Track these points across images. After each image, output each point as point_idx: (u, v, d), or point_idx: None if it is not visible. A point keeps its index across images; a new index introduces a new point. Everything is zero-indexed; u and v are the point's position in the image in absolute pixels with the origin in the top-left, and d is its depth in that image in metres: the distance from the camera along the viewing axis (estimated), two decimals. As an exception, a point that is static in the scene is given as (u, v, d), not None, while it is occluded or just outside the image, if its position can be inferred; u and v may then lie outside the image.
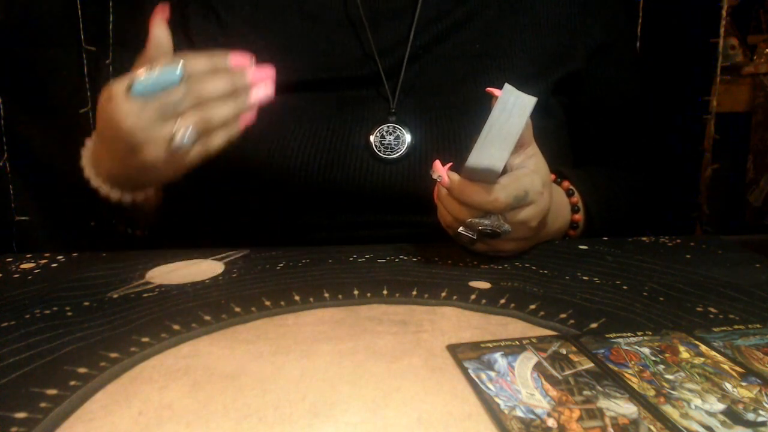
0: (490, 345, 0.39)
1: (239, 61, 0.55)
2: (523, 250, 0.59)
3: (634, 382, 0.35)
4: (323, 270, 0.55)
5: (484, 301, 0.47)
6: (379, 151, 0.65)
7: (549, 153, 0.58)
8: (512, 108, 0.50)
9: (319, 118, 0.67)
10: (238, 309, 0.46)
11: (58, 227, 0.95)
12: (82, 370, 0.37)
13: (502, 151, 0.50)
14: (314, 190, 0.66)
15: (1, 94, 0.90)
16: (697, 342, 0.40)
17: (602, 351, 0.38)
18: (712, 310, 0.46)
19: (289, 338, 0.41)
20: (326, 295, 0.49)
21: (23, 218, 0.93)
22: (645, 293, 0.49)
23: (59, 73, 0.91)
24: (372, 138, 0.66)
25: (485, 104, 0.52)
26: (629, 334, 0.41)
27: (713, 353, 0.38)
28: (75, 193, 0.94)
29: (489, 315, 0.45)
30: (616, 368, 0.36)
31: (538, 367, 0.36)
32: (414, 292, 0.49)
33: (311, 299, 0.48)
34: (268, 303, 0.47)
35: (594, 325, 0.43)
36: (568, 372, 0.36)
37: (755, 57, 1.13)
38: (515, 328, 0.43)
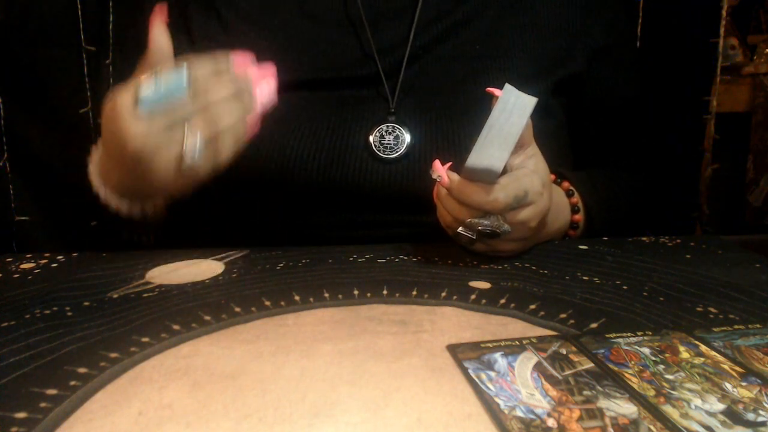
0: (490, 345, 0.39)
1: (241, 60, 0.54)
2: (523, 250, 0.59)
3: (634, 382, 0.35)
4: (323, 270, 0.55)
5: (484, 301, 0.47)
6: (379, 150, 0.65)
7: (549, 153, 0.58)
8: (512, 108, 0.50)
9: (319, 118, 0.67)
10: (238, 309, 0.46)
11: (58, 227, 0.95)
12: (82, 370, 0.37)
13: (502, 151, 0.50)
14: (314, 190, 0.66)
15: (1, 94, 0.90)
16: (697, 342, 0.40)
17: (602, 351, 0.38)
18: (712, 310, 0.46)
19: (289, 338, 0.41)
20: (326, 295, 0.49)
21: (23, 218, 0.93)
22: (645, 293, 0.49)
23: (59, 73, 0.91)
24: (371, 138, 0.66)
25: (485, 104, 0.52)
26: (629, 334, 0.41)
27: (713, 353, 0.38)
28: (75, 193, 0.94)
29: (489, 315, 0.45)
30: (616, 368, 0.36)
31: (538, 367, 0.36)
32: (414, 292, 0.49)
33: (311, 299, 0.48)
34: (268, 303, 0.47)
35: (594, 325, 0.43)
36: (568, 372, 0.36)
37: (755, 57, 1.13)
38: (515, 328, 0.43)
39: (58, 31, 0.90)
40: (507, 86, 0.50)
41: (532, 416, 0.31)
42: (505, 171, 0.53)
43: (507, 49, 0.70)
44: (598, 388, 0.34)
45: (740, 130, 1.09)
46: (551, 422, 0.31)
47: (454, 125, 0.66)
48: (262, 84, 0.54)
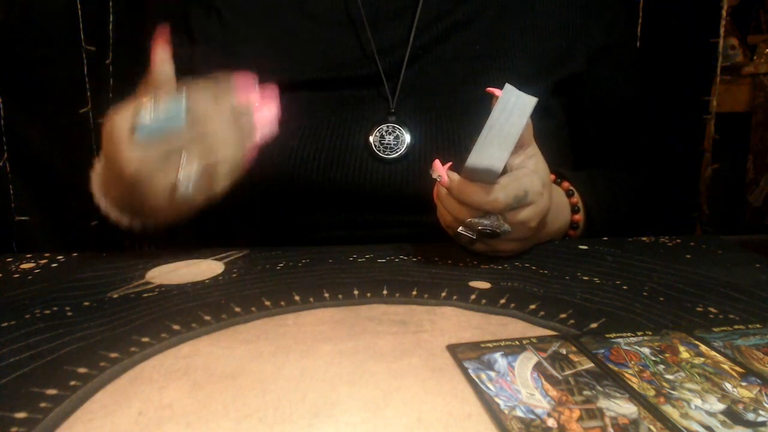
0: (490, 345, 0.39)
1: (243, 83, 0.53)
2: (523, 250, 0.59)
3: (634, 382, 0.35)
4: (323, 270, 0.55)
5: (484, 301, 0.47)
6: (379, 151, 0.65)
7: (549, 154, 0.58)
8: (512, 108, 0.50)
9: (319, 118, 0.67)
10: (238, 309, 0.46)
11: (58, 227, 0.95)
12: (82, 370, 0.37)
13: (502, 151, 0.50)
14: (314, 190, 0.66)
15: (1, 94, 0.90)
16: (697, 342, 0.40)
17: (602, 351, 0.38)
18: (712, 310, 0.46)
19: (289, 338, 0.41)
20: (326, 295, 0.49)
21: (23, 218, 0.93)
22: (645, 293, 0.49)
23: (59, 73, 0.91)
24: (371, 138, 0.66)
25: (485, 105, 0.52)
26: (629, 334, 0.41)
27: (713, 353, 0.38)
28: (75, 193, 0.94)
29: (489, 315, 0.45)
30: (616, 368, 0.36)
31: (538, 367, 0.36)
32: (414, 292, 0.49)
33: (311, 299, 0.48)
34: (268, 303, 0.47)
35: (594, 325, 0.43)
36: (568, 372, 0.36)
37: (755, 57, 1.13)
38: (515, 328, 0.43)
39: (58, 31, 0.90)
40: (507, 86, 0.50)
41: (532, 416, 0.31)
42: (505, 171, 0.53)
43: (507, 50, 0.70)
44: (598, 388, 0.34)
45: (740, 130, 1.09)
46: (551, 422, 0.31)
47: (455, 125, 0.66)
48: (264, 110, 0.54)
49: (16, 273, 0.56)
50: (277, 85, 0.56)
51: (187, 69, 0.54)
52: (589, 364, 0.37)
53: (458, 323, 0.43)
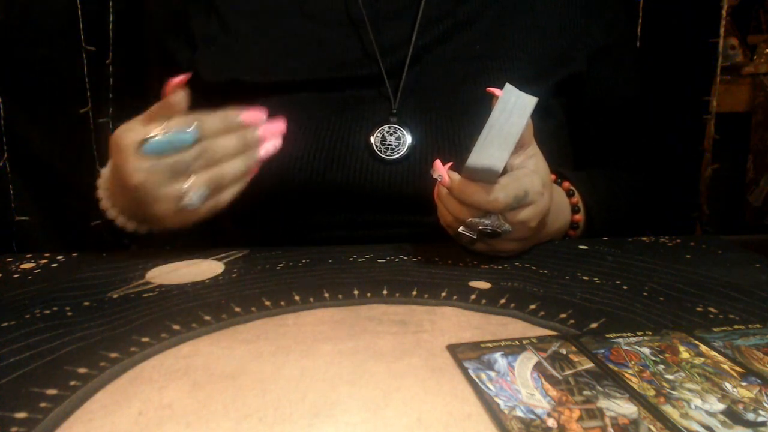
0: (490, 345, 0.39)
1: (252, 117, 0.56)
2: (523, 250, 0.59)
3: (634, 382, 0.35)
4: (323, 270, 0.55)
5: (484, 301, 0.47)
6: (380, 151, 0.65)
7: (549, 154, 0.58)
8: (513, 108, 0.50)
9: (320, 118, 0.67)
10: (238, 309, 0.46)
11: (58, 227, 0.95)
12: (82, 370, 0.37)
13: (503, 151, 0.50)
14: (314, 190, 0.66)
15: (1, 94, 0.90)
16: (697, 342, 0.40)
17: (602, 351, 0.38)
18: (712, 310, 0.46)
19: (289, 338, 0.41)
20: (326, 295, 0.49)
21: (23, 218, 0.93)
22: (645, 293, 0.49)
23: (59, 73, 0.91)
24: (372, 138, 0.66)
25: (486, 105, 0.52)
26: (629, 334, 0.41)
27: (713, 353, 0.38)
28: (75, 193, 0.94)
29: (489, 315, 0.45)
30: (616, 368, 0.36)
31: (538, 367, 0.36)
32: (414, 292, 0.49)
33: (311, 299, 0.48)
34: (268, 303, 0.47)
35: (594, 325, 0.43)
36: (568, 372, 0.36)
37: (755, 57, 1.13)
38: (515, 328, 0.43)
39: (58, 31, 0.90)
40: (507, 86, 0.50)
41: (532, 416, 0.31)
42: (505, 171, 0.53)
43: (508, 50, 0.70)
44: (598, 388, 0.34)
45: (740, 130, 1.09)
46: (551, 422, 0.31)
47: (456, 126, 0.66)
48: (268, 144, 0.57)
49: (16, 273, 0.56)
50: (279, 86, 0.56)
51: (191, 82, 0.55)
52: (589, 364, 0.37)
53: (458, 323, 0.43)
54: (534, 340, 0.40)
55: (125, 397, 0.34)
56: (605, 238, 0.66)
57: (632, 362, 0.37)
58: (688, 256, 0.60)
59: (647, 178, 0.80)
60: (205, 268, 0.56)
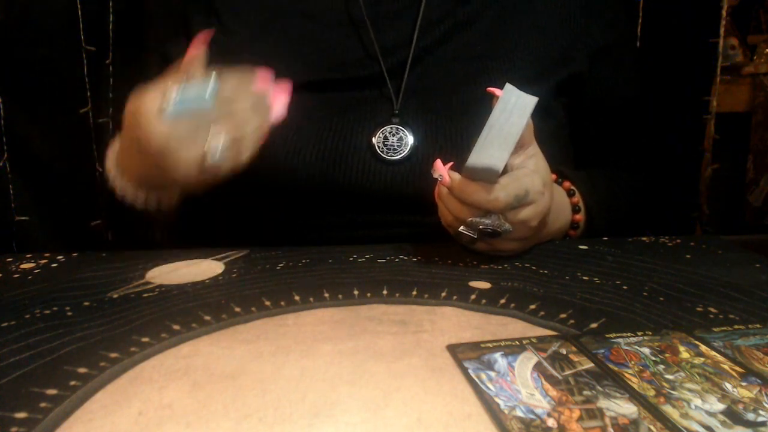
0: (490, 345, 0.39)
1: (262, 76, 0.56)
2: (524, 249, 0.59)
3: (634, 382, 0.35)
4: (323, 270, 0.55)
5: (484, 301, 0.47)
6: (382, 152, 0.65)
7: (550, 154, 0.58)
8: (513, 108, 0.50)
9: (322, 119, 0.67)
10: (238, 309, 0.46)
11: (58, 227, 0.95)
12: (82, 370, 0.37)
13: (503, 150, 0.50)
14: (316, 191, 0.66)
15: (1, 94, 0.90)
16: (697, 342, 0.40)
17: (602, 351, 0.38)
18: (712, 310, 0.46)
19: (289, 338, 0.41)
20: (326, 295, 0.49)
21: (23, 218, 0.93)
22: (645, 293, 0.49)
23: (59, 73, 0.91)
24: (375, 139, 0.66)
25: (487, 105, 0.52)
26: (629, 334, 0.41)
27: (713, 353, 0.38)
28: (75, 193, 0.94)
29: (489, 315, 0.45)
30: (616, 368, 0.36)
31: (538, 367, 0.36)
32: (414, 292, 0.49)
33: (311, 299, 0.48)
34: (268, 303, 0.47)
35: (594, 325, 0.43)
36: (568, 372, 0.36)
37: (755, 57, 1.13)
38: (515, 328, 0.43)
39: (58, 31, 0.90)
40: (507, 86, 0.50)
41: (532, 416, 0.31)
42: (506, 171, 0.53)
43: (509, 50, 0.70)
44: (598, 388, 0.34)
45: (740, 130, 1.09)
46: (551, 422, 0.31)
47: (457, 126, 0.66)
48: (277, 100, 0.57)
49: (16, 273, 0.56)
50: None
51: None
52: (589, 364, 0.37)
53: (458, 323, 0.43)
54: (534, 340, 0.40)
55: (125, 397, 0.34)
56: (605, 238, 0.66)
57: (632, 362, 0.37)
58: (688, 256, 0.60)
59: (647, 178, 0.80)
60: (205, 268, 0.56)
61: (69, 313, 0.46)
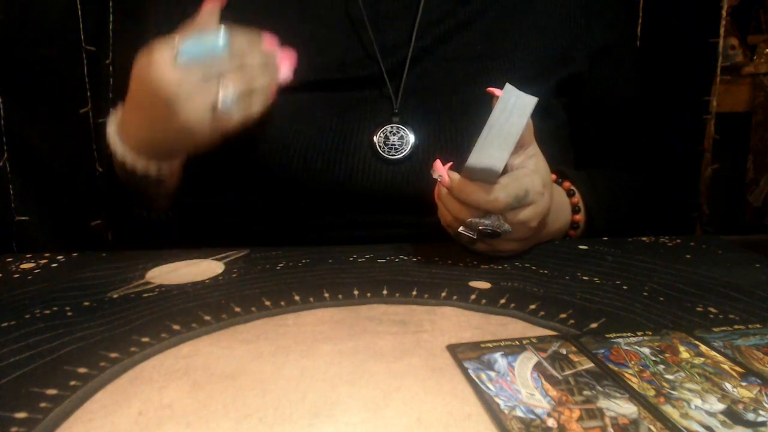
0: (490, 345, 0.39)
1: (270, 41, 0.58)
2: (524, 250, 0.59)
3: (634, 382, 0.35)
4: (323, 270, 0.55)
5: (484, 301, 0.47)
6: (383, 151, 0.65)
7: (550, 154, 0.58)
8: (513, 108, 0.50)
9: (323, 119, 0.67)
10: (238, 309, 0.46)
11: (58, 227, 0.95)
12: (82, 370, 0.37)
13: (503, 151, 0.50)
14: (317, 190, 0.66)
15: (1, 94, 0.90)
16: (697, 342, 0.40)
17: (602, 351, 0.38)
18: (712, 310, 0.46)
19: (289, 338, 0.41)
20: (326, 295, 0.49)
21: (23, 218, 0.93)
22: (645, 293, 0.49)
23: (59, 73, 0.91)
24: (375, 138, 0.66)
25: (487, 105, 0.52)
26: (629, 334, 0.41)
27: (713, 353, 0.38)
28: (75, 193, 0.94)
29: (489, 315, 0.45)
30: (616, 368, 0.36)
31: (538, 367, 0.36)
32: (414, 292, 0.49)
33: (311, 299, 0.48)
34: (268, 303, 0.47)
35: (594, 325, 0.43)
36: (568, 372, 0.36)
37: (755, 57, 1.13)
38: (515, 328, 0.43)
39: (58, 31, 0.90)
40: (507, 86, 0.50)
41: (532, 416, 0.31)
42: (505, 171, 0.53)
43: (509, 50, 0.70)
44: (598, 388, 0.34)
45: (740, 130, 1.09)
46: (551, 422, 0.31)
47: (458, 126, 0.66)
48: (284, 63, 0.59)
49: (16, 273, 0.56)
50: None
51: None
52: (589, 364, 0.37)
53: (458, 323, 0.43)
54: (534, 340, 0.40)
55: (125, 397, 0.34)
56: (605, 238, 0.66)
57: (632, 362, 0.37)
58: (688, 256, 0.60)
59: (647, 178, 0.80)
60: (205, 268, 0.56)
61: (69, 313, 0.46)
